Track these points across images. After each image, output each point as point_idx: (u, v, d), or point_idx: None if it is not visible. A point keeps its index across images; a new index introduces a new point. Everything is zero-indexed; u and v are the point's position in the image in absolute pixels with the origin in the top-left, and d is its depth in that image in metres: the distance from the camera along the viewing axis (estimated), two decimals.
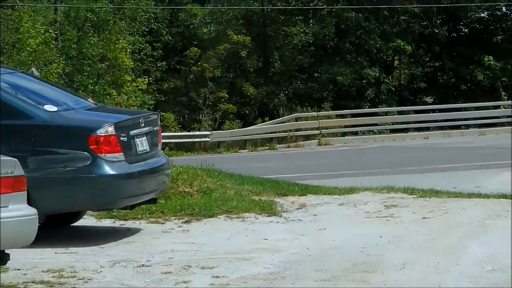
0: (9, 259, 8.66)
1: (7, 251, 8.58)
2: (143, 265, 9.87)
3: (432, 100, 54.67)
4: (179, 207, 12.89)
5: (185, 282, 9.02)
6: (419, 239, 11.65)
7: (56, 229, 11.52)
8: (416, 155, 33.05)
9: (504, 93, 52.34)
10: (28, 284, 8.91)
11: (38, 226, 8.92)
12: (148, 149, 11.83)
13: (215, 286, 8.98)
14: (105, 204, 11.61)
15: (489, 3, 49.47)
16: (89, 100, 14.40)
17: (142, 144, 11.70)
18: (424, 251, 10.92)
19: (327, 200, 14.65)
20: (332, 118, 41.81)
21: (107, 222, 12.60)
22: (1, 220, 8.16)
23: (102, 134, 10.91)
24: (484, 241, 11.46)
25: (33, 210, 8.73)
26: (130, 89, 40.14)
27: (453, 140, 40.18)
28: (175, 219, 12.52)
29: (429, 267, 9.76)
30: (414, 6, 52.08)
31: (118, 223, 12.72)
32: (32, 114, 11.28)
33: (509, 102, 45.31)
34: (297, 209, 14.02)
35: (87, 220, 12.78)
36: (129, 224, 12.61)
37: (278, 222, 12.89)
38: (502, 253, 10.48)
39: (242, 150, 37.76)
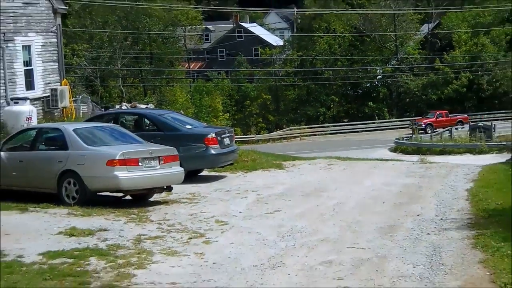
0: (172, 189, 15.37)
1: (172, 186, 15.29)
2: (227, 190, 16.81)
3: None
4: (242, 167, 20.76)
5: (245, 197, 15.95)
6: (342, 178, 19.18)
7: (190, 177, 17.12)
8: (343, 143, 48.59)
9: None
10: (180, 199, 15.56)
11: (184, 175, 15.56)
12: (229, 143, 18.98)
13: (258, 198, 15.83)
14: (211, 165, 18.99)
15: None
16: (204, 123, 21.93)
17: (226, 141, 18.82)
18: (345, 183, 18.31)
19: (303, 162, 22.25)
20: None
21: (212, 173, 19.64)
22: (172, 172, 15.01)
23: (210, 137, 18.02)
24: (370, 178, 18.99)
25: (181, 169, 15.41)
26: (221, 118, 56.53)
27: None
28: (240, 171, 20.20)
29: (347, 189, 17.23)
30: None
31: (217, 174, 19.54)
32: (181, 129, 18.32)
33: None
34: (291, 166, 21.61)
35: (204, 173, 19.48)
36: (222, 174, 19.56)
37: (283, 172, 20.63)
38: (378, 183, 18.14)
39: (269, 143, 54.49)
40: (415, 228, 12.45)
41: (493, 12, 60.77)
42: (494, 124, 47.93)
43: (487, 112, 56.81)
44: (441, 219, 13.33)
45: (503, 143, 37.19)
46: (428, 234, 11.94)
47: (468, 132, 47.63)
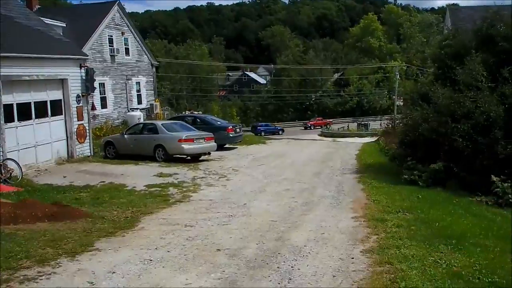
0: (211, 154, 14.86)
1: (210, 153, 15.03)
2: (237, 154, 16.30)
3: None
4: (245, 143, 19.76)
5: (246, 157, 15.55)
6: (294, 149, 18.79)
7: (219, 148, 15.82)
8: (295, 132, 43.87)
9: None
10: (214, 158, 14.94)
11: (216, 147, 15.13)
12: (239, 131, 18.53)
13: (253, 158, 15.39)
14: (230, 142, 18.00)
15: None
16: (227, 121, 21.29)
17: (237, 130, 18.42)
18: (295, 151, 17.93)
19: (275, 141, 21.80)
20: None
21: (230, 146, 18.11)
22: (210, 145, 14.54)
23: (229, 128, 17.78)
24: (308, 149, 18.76)
25: (215, 144, 14.97)
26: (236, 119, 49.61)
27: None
28: (244, 145, 19.22)
29: (297, 154, 16.83)
30: None
31: (233, 146, 18.29)
32: (215, 124, 17.86)
33: None
34: (270, 143, 20.99)
35: (226, 146, 17.72)
36: (235, 146, 18.44)
37: (266, 146, 20.00)
38: (312, 151, 17.68)
39: None
40: (330, 173, 12.44)
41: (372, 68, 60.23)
42: (369, 123, 47.85)
43: (366, 117, 56.30)
44: (343, 168, 13.36)
45: (373, 132, 36.99)
46: (336, 176, 11.97)
47: (356, 127, 47.49)
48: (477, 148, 8.72)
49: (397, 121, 19.04)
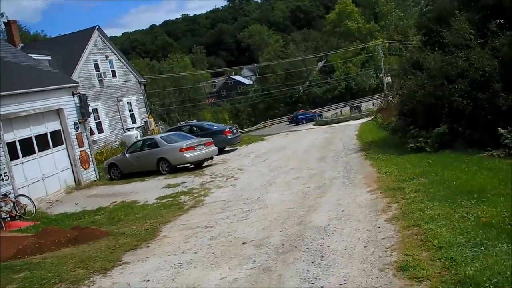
0: (213, 158, 14.71)
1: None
2: (239, 154, 16.05)
3: None
4: (244, 142, 19.38)
5: (249, 156, 15.42)
6: (293, 140, 18.64)
7: (220, 151, 15.68)
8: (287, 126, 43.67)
9: None
10: (217, 162, 14.74)
11: (218, 151, 15.08)
12: (236, 132, 18.11)
13: (255, 155, 15.25)
14: (229, 144, 17.73)
15: None
16: (223, 125, 21.30)
17: (235, 131, 18.00)
18: (295, 142, 17.76)
19: (272, 137, 21.71)
20: None
21: (230, 148, 17.94)
22: (211, 150, 14.35)
23: (226, 130, 17.43)
24: (307, 138, 18.65)
25: (216, 148, 14.82)
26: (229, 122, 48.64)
27: None
28: (244, 145, 18.85)
29: (296, 145, 16.73)
30: None
31: (233, 148, 18.04)
32: (212, 128, 17.63)
33: None
34: (268, 139, 20.78)
35: (226, 149, 17.52)
36: (235, 147, 18.19)
37: (265, 142, 19.56)
38: (311, 139, 17.59)
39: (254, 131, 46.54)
40: (334, 156, 12.43)
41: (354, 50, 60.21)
42: (361, 104, 47.79)
43: (357, 100, 56.20)
44: (346, 149, 13.36)
45: (367, 113, 36.95)
46: (342, 157, 11.97)
47: (350, 110, 47.34)
48: (478, 105, 8.75)
49: (390, 96, 19.18)
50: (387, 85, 40.42)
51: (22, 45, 22.51)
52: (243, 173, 11.94)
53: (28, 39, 40.58)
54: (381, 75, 50.37)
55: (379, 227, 5.38)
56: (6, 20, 26.33)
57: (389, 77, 44.80)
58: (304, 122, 42.83)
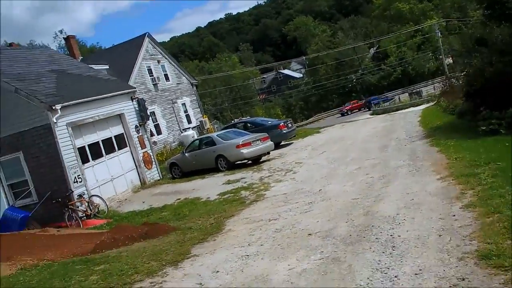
0: (270, 153, 14.64)
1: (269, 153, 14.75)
2: (296, 148, 15.86)
3: None
4: (299, 136, 18.98)
5: (306, 149, 15.13)
6: (350, 131, 18.27)
7: (276, 146, 15.56)
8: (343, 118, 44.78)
9: None
10: (275, 156, 14.60)
11: (274, 146, 14.87)
12: (291, 126, 18.02)
13: (312, 148, 14.96)
14: (284, 138, 17.51)
15: None
16: (277, 119, 21.04)
17: (289, 125, 17.85)
18: (352, 132, 17.40)
19: (329, 128, 21.39)
20: None
21: (286, 142, 17.61)
22: (268, 145, 14.23)
23: (281, 125, 17.31)
24: (365, 127, 18.07)
25: (272, 142, 14.71)
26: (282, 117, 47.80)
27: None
28: (300, 138, 18.40)
29: (355, 135, 16.31)
30: None
31: (289, 142, 17.74)
32: (266, 124, 17.54)
33: None
34: (324, 131, 20.44)
35: (282, 143, 17.24)
36: (291, 141, 17.86)
37: (321, 134, 19.22)
38: (369, 128, 17.06)
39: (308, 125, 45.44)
40: (397, 144, 11.98)
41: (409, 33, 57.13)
42: (421, 89, 45.37)
43: (416, 85, 53.13)
44: (410, 137, 12.87)
45: (428, 98, 34.96)
46: (405, 145, 11.56)
47: (409, 96, 45.00)
48: None
49: (453, 78, 18.03)
50: (448, 67, 37.92)
51: (81, 57, 24.22)
52: (302, 166, 11.85)
53: (86, 51, 43.55)
54: (440, 56, 47.39)
55: (454, 215, 5.10)
56: (65, 36, 28.39)
57: (450, 58, 41.99)
58: (380, 104, 41.42)
